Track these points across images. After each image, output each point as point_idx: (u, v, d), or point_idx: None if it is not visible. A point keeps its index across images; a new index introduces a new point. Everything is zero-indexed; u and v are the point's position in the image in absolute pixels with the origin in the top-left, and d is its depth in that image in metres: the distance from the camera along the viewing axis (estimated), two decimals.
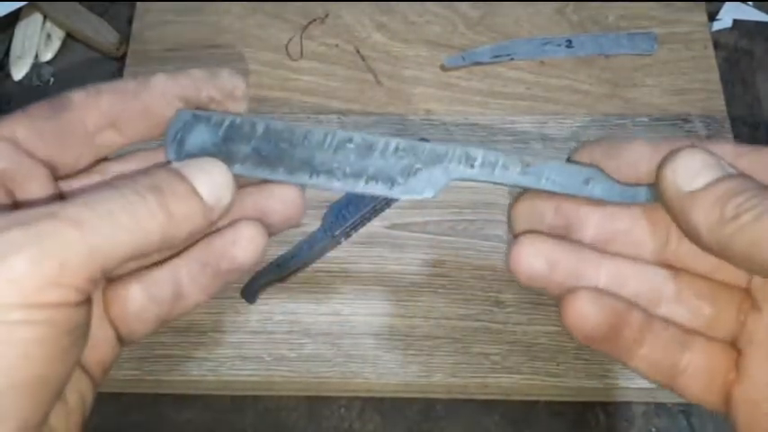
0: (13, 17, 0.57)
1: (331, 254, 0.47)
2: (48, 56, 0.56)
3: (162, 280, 0.28)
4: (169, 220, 0.25)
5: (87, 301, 0.24)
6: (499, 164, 0.28)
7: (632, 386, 0.43)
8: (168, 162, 0.28)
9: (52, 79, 0.55)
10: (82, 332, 0.24)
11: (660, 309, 0.29)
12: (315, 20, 0.55)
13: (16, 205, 0.26)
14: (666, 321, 0.29)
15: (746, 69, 0.55)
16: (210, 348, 0.44)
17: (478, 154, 0.28)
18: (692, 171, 0.26)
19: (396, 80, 0.53)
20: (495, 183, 0.28)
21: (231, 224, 0.29)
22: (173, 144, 0.28)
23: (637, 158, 0.28)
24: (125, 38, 0.55)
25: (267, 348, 0.44)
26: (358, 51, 0.54)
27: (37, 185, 0.27)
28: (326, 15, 0.55)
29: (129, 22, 0.55)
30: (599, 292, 0.28)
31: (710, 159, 0.26)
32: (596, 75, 0.53)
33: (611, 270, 0.29)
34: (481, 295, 0.45)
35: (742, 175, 0.26)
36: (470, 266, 0.46)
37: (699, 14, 0.55)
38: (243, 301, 0.45)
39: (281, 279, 0.45)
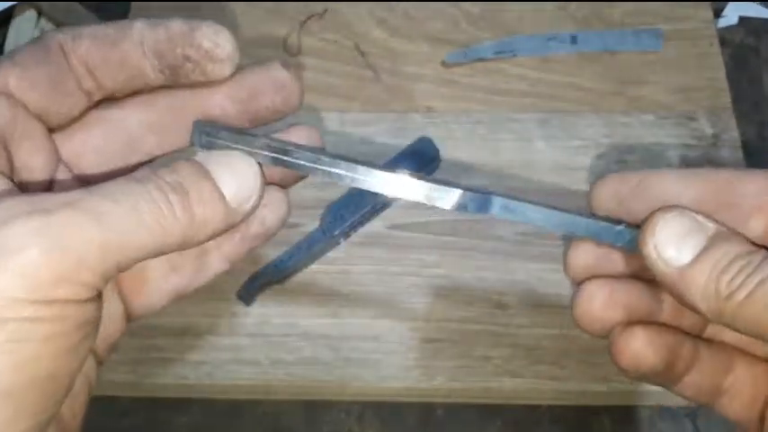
0: (7, 15, 0.56)
1: (330, 255, 0.46)
2: None
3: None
4: (191, 223, 0.24)
5: (99, 296, 0.23)
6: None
7: (637, 390, 0.43)
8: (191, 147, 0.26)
9: None
10: (93, 326, 0.23)
11: (706, 330, 0.28)
12: (314, 15, 0.54)
13: (12, 168, 0.25)
14: (711, 342, 0.28)
15: (753, 66, 0.55)
16: (207, 352, 0.43)
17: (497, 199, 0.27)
18: (674, 244, 0.25)
19: (396, 76, 0.52)
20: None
21: None
22: (197, 134, 0.26)
23: (667, 198, 0.26)
24: None
25: (265, 352, 0.43)
26: (357, 47, 0.53)
27: (33, 143, 0.25)
28: (325, 11, 0.55)
29: (124, 19, 0.55)
30: (654, 329, 0.27)
31: (688, 223, 0.25)
32: (601, 72, 0.52)
33: (671, 307, 0.28)
34: (483, 297, 0.45)
35: (727, 236, 0.25)
36: (472, 268, 0.45)
37: (704, 11, 0.54)
38: (240, 303, 0.44)
39: (279, 281, 0.45)
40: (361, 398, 0.44)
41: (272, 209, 0.28)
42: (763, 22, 0.56)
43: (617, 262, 0.28)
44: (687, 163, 0.49)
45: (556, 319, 0.44)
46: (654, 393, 0.43)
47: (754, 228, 0.25)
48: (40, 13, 0.56)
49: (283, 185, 0.28)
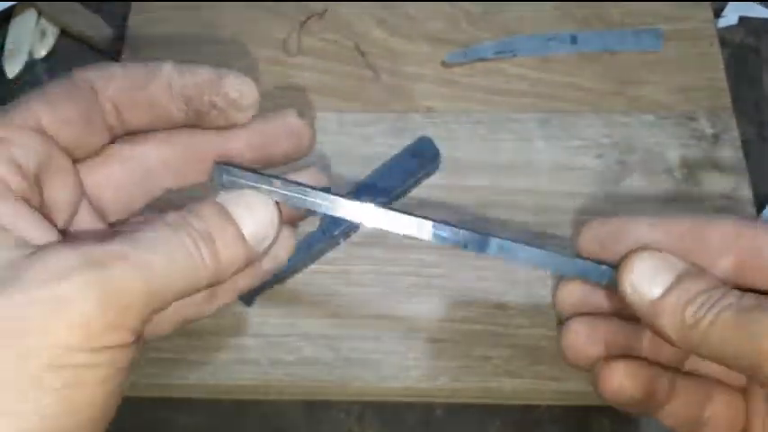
0: (7, 14, 0.56)
1: (330, 255, 0.46)
2: (42, 52, 0.55)
3: None
4: (217, 267, 0.25)
5: (139, 338, 0.24)
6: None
7: None
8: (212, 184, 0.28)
9: (46, 76, 0.55)
10: (131, 369, 0.25)
11: (685, 363, 0.31)
12: (313, 15, 0.54)
13: (42, 202, 0.26)
14: (690, 375, 0.31)
15: (753, 66, 0.55)
16: (207, 352, 0.43)
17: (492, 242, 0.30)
18: (646, 280, 0.28)
19: (396, 76, 0.52)
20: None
21: None
22: (218, 174, 0.28)
23: (643, 242, 0.29)
24: (120, 34, 0.54)
25: (265, 352, 0.43)
26: (357, 47, 0.53)
27: (62, 178, 0.26)
28: (325, 10, 0.54)
29: (125, 18, 0.55)
30: (633, 362, 0.30)
31: (659, 261, 0.28)
32: (601, 72, 0.52)
33: (649, 343, 0.31)
34: (483, 298, 0.44)
35: (693, 272, 0.28)
36: (472, 268, 0.45)
37: (704, 11, 0.54)
38: (240, 303, 0.44)
39: (279, 281, 0.45)
40: (361, 398, 0.44)
41: (283, 245, 0.29)
42: (763, 22, 0.56)
43: (601, 300, 0.32)
44: (687, 163, 0.48)
45: (556, 320, 0.44)
46: None
47: (723, 267, 0.28)
48: (40, 14, 0.56)
49: (291, 222, 0.30)
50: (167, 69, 0.27)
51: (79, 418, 0.22)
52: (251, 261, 0.27)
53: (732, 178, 0.48)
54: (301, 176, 0.29)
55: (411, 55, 0.53)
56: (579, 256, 0.30)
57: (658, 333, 0.28)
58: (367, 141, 0.49)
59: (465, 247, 0.30)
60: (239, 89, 0.27)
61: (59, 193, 0.26)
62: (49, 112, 0.26)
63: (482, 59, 0.52)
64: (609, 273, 0.29)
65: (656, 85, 0.51)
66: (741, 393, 0.30)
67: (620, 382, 0.29)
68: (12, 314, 0.21)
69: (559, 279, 0.32)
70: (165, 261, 0.24)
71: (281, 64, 0.53)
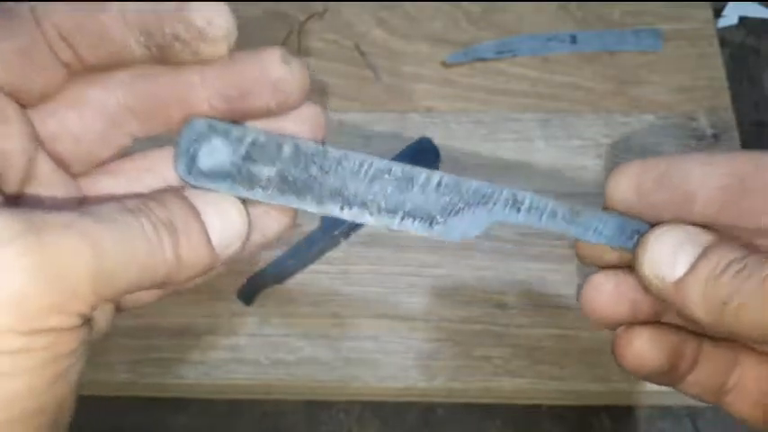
0: None
1: (330, 254, 0.46)
2: None
3: None
4: (176, 264, 0.22)
5: (86, 322, 0.21)
6: (547, 210, 0.26)
7: (636, 389, 0.43)
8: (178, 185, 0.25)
9: None
10: (82, 351, 0.21)
11: None
12: (313, 15, 0.54)
13: None
14: (716, 340, 0.27)
15: (753, 67, 0.55)
16: (206, 351, 0.43)
17: (526, 198, 0.26)
18: (667, 259, 0.24)
19: (396, 77, 0.52)
20: (539, 227, 0.27)
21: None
22: (183, 158, 0.24)
23: (696, 187, 0.25)
24: None
25: (264, 351, 0.43)
26: (357, 47, 0.53)
27: (8, 126, 0.22)
28: (325, 10, 0.54)
29: None
30: (656, 328, 0.27)
31: (681, 236, 0.25)
32: (601, 72, 0.52)
33: None
34: (483, 297, 0.44)
35: (720, 245, 0.24)
36: (472, 267, 0.45)
37: (705, 11, 0.54)
38: (240, 303, 0.44)
39: (279, 280, 0.45)
40: (360, 398, 0.44)
41: (276, 220, 0.26)
42: (763, 22, 0.56)
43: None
44: None
45: (556, 319, 0.44)
46: (654, 393, 0.43)
47: None
48: None
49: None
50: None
51: (14, 412, 0.19)
52: (212, 267, 0.24)
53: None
54: (293, 119, 0.25)
55: (411, 55, 0.53)
56: (608, 210, 0.26)
57: (688, 317, 0.25)
58: (367, 141, 0.49)
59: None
60: (207, 16, 0.22)
61: (7, 142, 0.22)
62: None
63: (482, 59, 0.52)
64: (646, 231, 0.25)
65: (656, 85, 0.51)
66: None
67: (642, 351, 0.26)
68: None
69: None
70: (118, 239, 0.21)
71: None
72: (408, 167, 0.25)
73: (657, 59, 0.52)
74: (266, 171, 0.24)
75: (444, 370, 0.43)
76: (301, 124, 0.25)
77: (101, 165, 0.26)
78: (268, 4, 0.55)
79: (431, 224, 0.26)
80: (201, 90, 0.24)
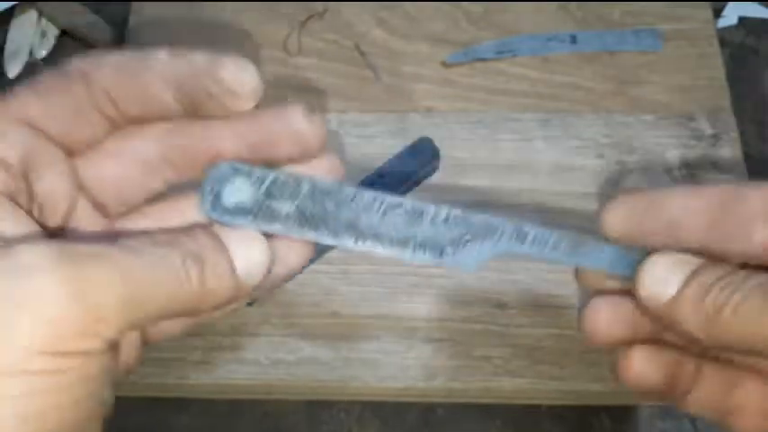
0: (8, 14, 0.56)
1: (330, 254, 0.46)
2: (42, 53, 0.55)
3: None
4: (202, 293, 0.24)
5: (113, 347, 0.22)
6: (550, 243, 0.28)
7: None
8: (205, 221, 0.27)
9: None
10: (107, 376, 0.23)
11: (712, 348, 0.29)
12: (313, 15, 0.54)
13: (30, 197, 0.25)
14: (717, 360, 0.29)
15: (753, 66, 0.55)
16: (207, 351, 0.43)
17: (530, 231, 0.28)
18: (661, 280, 0.26)
19: (396, 77, 0.52)
20: (542, 259, 0.28)
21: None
22: (208, 197, 0.26)
23: (680, 216, 0.26)
24: (120, 34, 0.54)
25: (265, 351, 0.43)
26: (357, 47, 0.53)
27: (54, 171, 0.25)
28: (325, 10, 0.54)
29: (125, 18, 0.55)
30: (655, 348, 0.28)
31: (673, 260, 0.27)
32: (601, 72, 0.52)
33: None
34: (483, 297, 0.44)
35: (708, 265, 0.26)
36: None
37: (704, 11, 0.54)
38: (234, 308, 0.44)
39: None
40: (360, 398, 0.44)
41: (297, 253, 0.28)
42: (762, 22, 0.56)
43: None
44: (687, 163, 0.48)
45: (556, 319, 0.44)
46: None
47: (759, 239, 0.25)
48: (40, 14, 0.56)
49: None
50: (162, 56, 0.25)
51: (40, 427, 0.20)
52: (237, 297, 0.25)
53: (732, 178, 0.48)
54: (314, 167, 0.27)
55: (411, 55, 0.53)
56: (604, 240, 0.28)
57: (683, 334, 0.27)
58: (367, 141, 0.49)
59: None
60: (236, 75, 0.25)
61: (52, 187, 0.25)
62: (38, 103, 0.25)
63: (482, 59, 0.52)
64: (642, 259, 0.27)
65: (656, 85, 0.51)
66: None
67: (641, 368, 0.28)
68: None
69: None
70: (147, 269, 0.22)
71: (281, 64, 0.53)
72: (418, 203, 0.27)
73: (657, 59, 0.52)
74: (285, 207, 0.26)
75: (444, 370, 0.43)
76: (321, 171, 0.27)
77: (135, 207, 0.28)
78: (268, 4, 0.54)
79: (441, 255, 0.28)
80: (229, 141, 0.27)
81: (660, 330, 0.29)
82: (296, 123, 0.26)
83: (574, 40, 0.53)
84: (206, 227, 0.26)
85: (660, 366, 0.28)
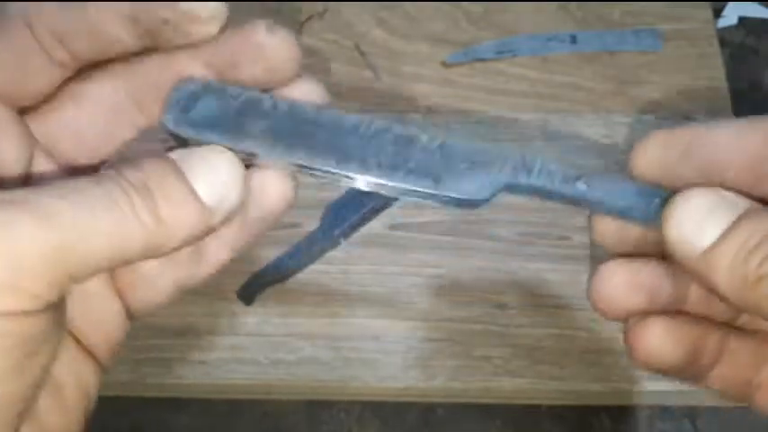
0: None
1: (330, 255, 0.46)
2: None
3: None
4: (157, 227, 0.20)
5: (51, 308, 0.20)
6: (560, 173, 0.24)
7: (637, 389, 0.43)
8: (167, 145, 0.23)
9: None
10: (44, 343, 0.20)
11: (739, 318, 0.25)
12: (313, 15, 0.54)
13: None
14: (743, 332, 0.25)
15: (753, 66, 0.55)
16: (207, 351, 0.43)
17: (536, 161, 0.24)
18: (697, 223, 0.22)
19: (396, 77, 0.52)
20: (551, 195, 0.24)
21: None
22: (173, 111, 0.23)
23: (727, 154, 0.22)
24: None
25: (265, 352, 0.43)
26: (358, 47, 0.53)
27: (2, 134, 0.22)
28: (325, 10, 0.54)
29: None
30: (674, 320, 0.24)
31: (715, 200, 0.22)
32: (600, 72, 0.52)
33: (701, 292, 0.25)
34: (483, 297, 0.44)
35: (756, 213, 0.22)
36: (472, 268, 0.45)
37: (704, 11, 0.54)
38: (240, 303, 0.44)
39: (279, 280, 0.45)
40: (360, 398, 0.44)
41: (274, 189, 0.24)
42: (762, 22, 0.56)
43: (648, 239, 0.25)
44: None
45: (556, 319, 0.44)
46: (654, 393, 0.43)
47: None
48: None
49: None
50: None
51: None
52: (209, 225, 0.22)
53: None
54: (291, 91, 0.24)
55: (411, 55, 0.53)
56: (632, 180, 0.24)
57: (712, 292, 0.22)
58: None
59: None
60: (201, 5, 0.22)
61: (1, 148, 0.22)
62: None
63: (482, 59, 0.52)
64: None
65: (656, 84, 0.51)
66: None
67: (656, 344, 0.24)
68: None
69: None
70: (76, 210, 0.19)
71: None
72: (412, 128, 0.24)
73: (657, 59, 0.52)
74: (259, 125, 0.23)
75: (444, 370, 0.43)
76: (299, 96, 0.24)
77: (106, 161, 0.25)
78: (268, 4, 0.54)
79: (436, 183, 0.23)
80: (195, 64, 0.23)
81: (683, 298, 0.25)
82: (257, 38, 0.23)
83: (574, 40, 0.53)
84: (156, 152, 0.22)
85: (681, 342, 0.24)
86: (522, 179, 0.24)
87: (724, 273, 0.21)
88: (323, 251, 0.46)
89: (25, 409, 0.20)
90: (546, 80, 0.52)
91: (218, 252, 0.24)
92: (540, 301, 0.44)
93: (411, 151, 0.23)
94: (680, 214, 0.22)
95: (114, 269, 0.21)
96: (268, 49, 0.23)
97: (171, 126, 0.23)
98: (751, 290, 0.21)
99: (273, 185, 0.24)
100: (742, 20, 0.56)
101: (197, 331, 0.44)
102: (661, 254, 0.25)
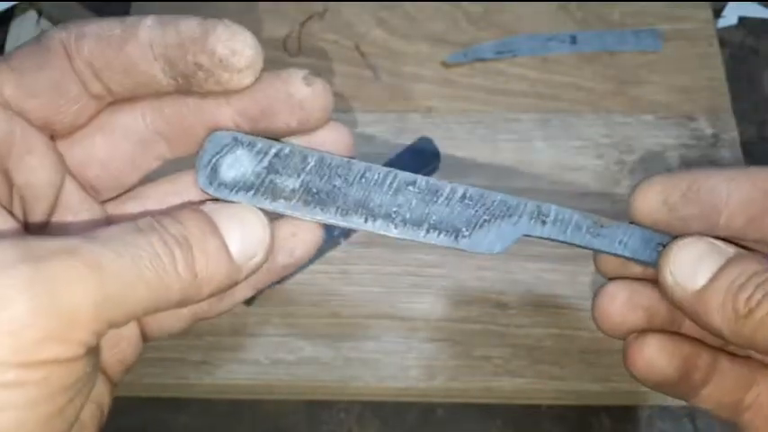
0: (8, 14, 0.56)
1: (330, 255, 0.46)
2: None
3: None
4: (192, 281, 0.21)
5: (90, 352, 0.20)
6: (572, 222, 0.26)
7: (636, 390, 0.43)
8: (200, 200, 0.25)
9: None
10: (83, 385, 0.20)
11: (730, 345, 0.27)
12: (313, 15, 0.54)
13: (10, 185, 0.23)
14: (734, 356, 0.27)
15: (752, 66, 0.55)
16: (207, 351, 0.43)
17: (551, 210, 0.26)
18: (689, 268, 0.25)
19: (396, 77, 0.52)
20: (565, 242, 0.26)
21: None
22: (205, 170, 0.24)
23: (721, 201, 0.25)
24: None
25: (265, 352, 0.43)
26: (357, 47, 0.53)
27: (36, 157, 0.23)
28: (325, 10, 0.54)
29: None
30: (670, 337, 0.26)
31: (705, 247, 0.25)
32: (600, 72, 0.52)
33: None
34: (483, 297, 0.44)
35: (743, 257, 0.24)
36: (472, 268, 0.45)
37: (704, 11, 0.54)
38: (240, 303, 0.44)
39: (279, 280, 0.45)
40: (360, 398, 0.44)
41: (303, 238, 0.25)
42: (762, 22, 0.56)
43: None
44: (687, 163, 0.48)
45: (556, 319, 0.44)
46: (653, 393, 0.43)
47: None
48: (40, 13, 0.56)
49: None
50: (147, 26, 0.22)
51: None
52: (235, 280, 0.23)
53: None
54: (319, 136, 0.25)
55: (411, 55, 0.53)
56: (633, 223, 0.26)
57: (707, 327, 0.24)
58: (367, 141, 0.49)
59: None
60: (230, 45, 0.22)
61: (34, 174, 0.23)
62: (14, 81, 0.22)
63: (482, 60, 0.52)
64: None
65: (656, 85, 0.51)
66: None
67: (654, 358, 0.26)
68: None
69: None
70: (124, 261, 0.20)
71: (281, 64, 0.53)
72: (433, 180, 0.25)
73: (657, 59, 0.52)
74: (290, 183, 0.24)
75: (444, 370, 0.43)
76: (329, 144, 0.25)
77: (130, 190, 0.26)
78: (268, 4, 0.54)
79: (456, 237, 0.25)
80: (228, 112, 0.24)
81: (678, 320, 0.27)
82: (296, 91, 0.23)
83: (574, 40, 0.53)
84: (195, 206, 0.23)
85: (674, 357, 0.26)
86: (537, 230, 0.26)
87: (717, 310, 0.24)
88: (323, 251, 0.46)
89: None
90: (546, 80, 0.52)
91: (241, 290, 0.26)
92: (540, 301, 0.44)
93: (434, 205, 0.25)
94: (674, 261, 0.25)
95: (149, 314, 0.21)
96: (305, 101, 0.24)
97: (204, 187, 0.24)
98: (742, 323, 0.23)
99: (304, 235, 0.25)
100: (742, 20, 0.56)
101: (197, 331, 0.44)
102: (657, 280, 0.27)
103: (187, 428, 0.44)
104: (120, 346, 0.24)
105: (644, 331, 0.27)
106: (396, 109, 0.51)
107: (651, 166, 0.48)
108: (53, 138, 0.24)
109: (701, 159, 0.49)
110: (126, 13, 0.55)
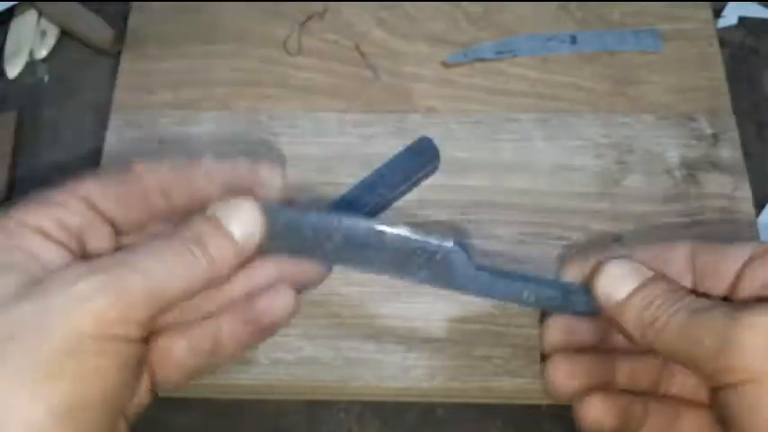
0: (8, 14, 0.56)
1: None
2: (42, 53, 0.55)
3: (204, 335, 0.33)
4: (211, 265, 0.31)
5: (145, 340, 0.30)
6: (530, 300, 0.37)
7: None
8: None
9: (47, 77, 0.55)
10: (140, 365, 0.31)
11: (660, 388, 0.36)
12: (313, 15, 0.54)
13: (84, 254, 0.31)
14: (661, 398, 0.35)
15: (752, 66, 0.55)
16: None
17: (525, 292, 0.37)
18: (615, 283, 0.33)
19: (396, 77, 0.52)
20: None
21: (271, 286, 0.34)
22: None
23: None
24: (121, 35, 0.54)
25: (265, 351, 0.43)
26: (357, 47, 0.53)
27: (101, 240, 0.32)
28: (325, 11, 0.54)
29: (125, 18, 0.55)
30: (608, 395, 0.34)
31: (628, 267, 0.34)
32: (600, 72, 0.52)
33: (626, 370, 0.36)
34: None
35: (657, 279, 0.33)
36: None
37: (704, 11, 0.54)
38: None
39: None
40: (360, 398, 0.44)
41: (282, 305, 0.34)
42: (762, 22, 0.56)
43: (583, 335, 0.37)
44: (687, 163, 0.48)
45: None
46: None
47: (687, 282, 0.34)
48: (40, 14, 0.56)
49: (297, 289, 0.35)
50: (207, 162, 0.34)
51: (91, 398, 0.27)
52: (244, 256, 0.32)
53: (732, 178, 0.48)
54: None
55: (411, 55, 0.53)
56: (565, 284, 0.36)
57: (622, 331, 0.34)
58: (367, 141, 0.49)
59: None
60: (271, 177, 0.35)
61: (98, 248, 0.32)
62: (98, 187, 0.32)
63: (482, 60, 0.52)
64: (584, 296, 0.35)
65: (656, 85, 0.51)
66: (707, 409, 0.34)
67: (598, 413, 0.33)
68: (34, 310, 0.27)
69: (545, 317, 0.38)
70: (160, 263, 0.29)
71: (281, 64, 0.53)
72: (446, 256, 0.36)
73: (657, 59, 0.52)
74: (325, 246, 0.35)
75: (444, 370, 0.43)
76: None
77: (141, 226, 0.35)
78: (268, 4, 0.55)
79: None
80: (217, 187, 0.35)
81: (610, 376, 0.35)
82: (264, 177, 0.35)
83: (574, 40, 0.53)
84: (201, 211, 0.33)
85: (613, 409, 0.33)
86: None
87: (631, 318, 0.33)
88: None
89: (120, 414, 0.31)
90: (546, 80, 0.52)
91: (231, 348, 0.34)
92: None
93: (447, 277, 0.36)
94: (605, 275, 0.34)
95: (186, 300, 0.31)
96: (269, 182, 0.35)
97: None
98: (648, 330, 0.32)
99: (282, 300, 0.34)
100: (742, 20, 0.56)
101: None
102: (595, 344, 0.37)
103: (187, 428, 0.44)
104: (138, 395, 0.32)
105: (588, 391, 0.34)
106: (396, 109, 0.51)
107: (651, 165, 0.48)
108: (117, 233, 0.33)
109: (701, 159, 0.49)
110: (126, 12, 0.55)
